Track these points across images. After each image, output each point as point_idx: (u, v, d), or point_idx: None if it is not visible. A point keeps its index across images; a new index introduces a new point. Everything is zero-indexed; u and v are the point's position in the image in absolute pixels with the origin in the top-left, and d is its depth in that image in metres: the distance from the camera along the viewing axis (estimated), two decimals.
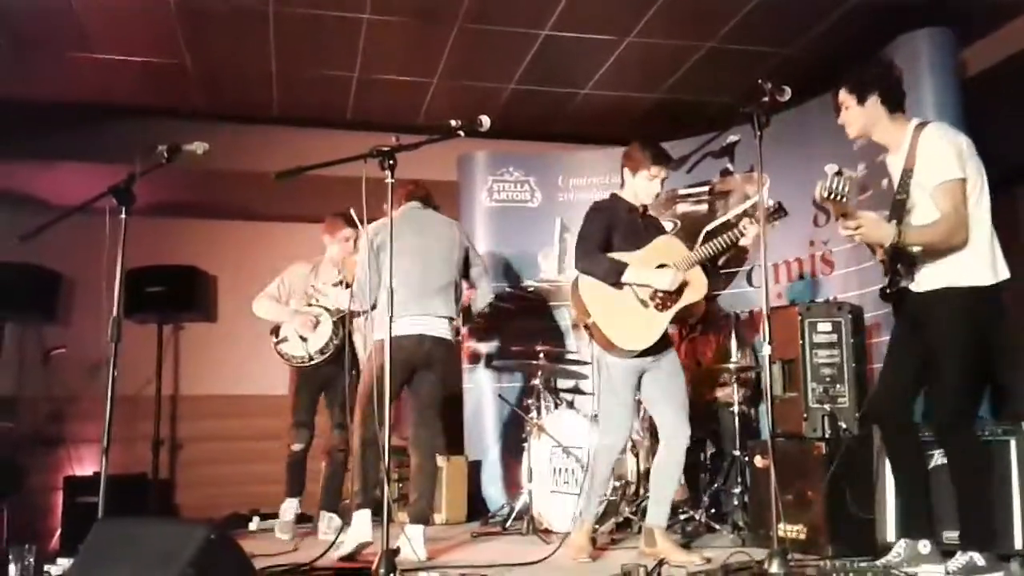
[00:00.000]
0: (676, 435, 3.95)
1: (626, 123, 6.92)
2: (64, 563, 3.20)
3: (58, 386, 6.56)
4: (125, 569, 2.49)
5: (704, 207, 6.29)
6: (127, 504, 5.06)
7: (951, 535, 3.54)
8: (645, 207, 4.11)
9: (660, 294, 3.87)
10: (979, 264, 3.22)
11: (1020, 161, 6.37)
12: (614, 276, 3.88)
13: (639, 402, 4.43)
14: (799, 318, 4.39)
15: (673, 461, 3.97)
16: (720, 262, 4.02)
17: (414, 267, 4.24)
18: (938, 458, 3.67)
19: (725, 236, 3.85)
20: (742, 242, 3.82)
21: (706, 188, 6.29)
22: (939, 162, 3.22)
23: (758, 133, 3.39)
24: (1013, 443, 3.51)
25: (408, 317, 4.14)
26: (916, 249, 3.23)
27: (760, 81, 3.36)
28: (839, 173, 3.14)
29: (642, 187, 4.05)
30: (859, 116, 3.40)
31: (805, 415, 4.28)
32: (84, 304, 6.74)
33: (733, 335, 5.09)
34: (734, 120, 3.98)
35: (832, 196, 3.08)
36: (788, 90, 3.34)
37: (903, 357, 3.41)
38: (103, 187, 3.41)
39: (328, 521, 4.97)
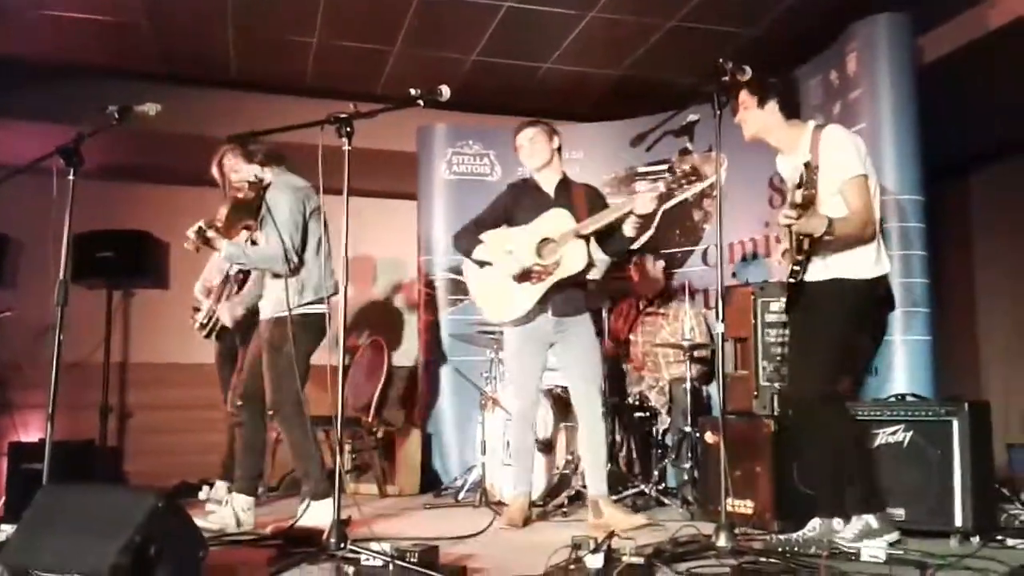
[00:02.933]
0: (581, 403, 4.14)
1: (587, 99, 6.92)
2: (7, 529, 3.14)
3: (3, 350, 6.42)
4: (70, 536, 2.46)
5: (662, 185, 6.30)
6: (74, 471, 5.00)
7: (894, 512, 3.64)
8: (564, 179, 4.32)
9: (538, 267, 4.04)
10: (866, 259, 3.44)
11: (972, 148, 6.50)
12: (467, 253, 4.26)
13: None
14: (752, 298, 4.44)
15: (587, 429, 4.13)
16: (633, 235, 4.10)
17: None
18: (883, 437, 3.77)
19: (610, 210, 4.02)
20: (636, 211, 3.96)
21: (665, 167, 6.30)
22: (845, 159, 3.38)
23: (717, 112, 3.42)
24: (955, 423, 3.61)
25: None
26: (828, 239, 3.32)
27: (720, 60, 3.38)
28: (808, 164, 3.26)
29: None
30: (757, 118, 3.58)
31: (756, 393, 4.33)
32: (31, 267, 6.60)
33: (687, 312, 5.13)
34: (695, 99, 4.01)
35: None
36: (748, 70, 3.38)
37: (791, 347, 3.63)
38: (51, 147, 3.33)
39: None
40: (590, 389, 4.11)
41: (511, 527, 4.02)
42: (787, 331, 4.28)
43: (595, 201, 4.21)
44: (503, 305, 4.16)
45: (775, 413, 4.20)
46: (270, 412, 4.05)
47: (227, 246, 4.04)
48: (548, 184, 4.28)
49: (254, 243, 4.15)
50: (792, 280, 3.42)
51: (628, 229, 4.04)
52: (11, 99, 6.10)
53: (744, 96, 3.58)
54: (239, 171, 4.17)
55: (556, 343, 4.17)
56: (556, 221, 4.10)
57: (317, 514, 3.81)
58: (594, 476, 4.10)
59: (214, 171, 4.31)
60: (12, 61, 6.07)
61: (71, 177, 3.28)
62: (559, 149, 4.32)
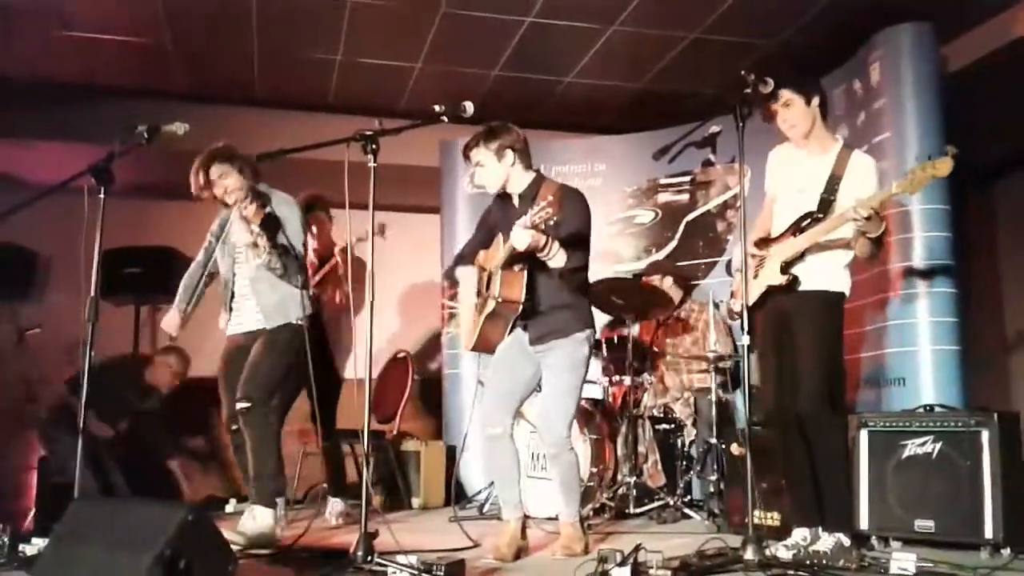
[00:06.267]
0: (541, 433, 3.84)
1: (609, 112, 6.93)
2: (39, 543, 3.18)
3: (33, 366, 6.49)
4: (101, 550, 2.49)
5: (685, 197, 6.32)
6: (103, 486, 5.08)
7: (924, 523, 3.61)
8: (531, 184, 3.71)
9: (481, 297, 3.74)
10: (846, 277, 3.53)
11: (997, 157, 6.45)
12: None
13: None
14: None
15: (549, 460, 3.81)
16: (559, 266, 3.48)
17: None
18: (912, 448, 3.73)
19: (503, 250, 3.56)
20: (515, 246, 3.36)
21: (687, 178, 6.32)
22: (870, 183, 3.43)
23: (740, 124, 3.41)
24: (985, 434, 3.57)
25: None
26: (866, 245, 3.42)
27: (743, 72, 3.38)
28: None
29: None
30: (806, 116, 3.54)
31: None
32: (61, 284, 6.68)
33: (712, 323, 5.11)
34: (717, 111, 3.98)
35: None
36: (771, 82, 3.37)
37: (780, 359, 3.54)
38: (82, 166, 3.38)
39: (332, 505, 5.07)
40: (546, 420, 3.72)
41: (499, 561, 3.49)
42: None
43: (550, 225, 3.36)
44: (466, 332, 3.85)
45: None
46: (246, 404, 3.90)
47: (272, 255, 3.99)
48: (515, 196, 3.76)
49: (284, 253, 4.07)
50: (791, 285, 3.47)
51: (552, 263, 3.47)
52: (39, 119, 6.20)
53: (789, 94, 3.50)
54: (231, 182, 4.10)
55: (541, 364, 3.73)
56: (495, 249, 3.72)
57: (259, 521, 3.84)
58: (558, 499, 3.79)
59: (199, 178, 4.14)
60: (40, 82, 6.18)
61: (101, 195, 3.33)
62: (521, 152, 3.69)
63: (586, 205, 3.68)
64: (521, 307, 3.59)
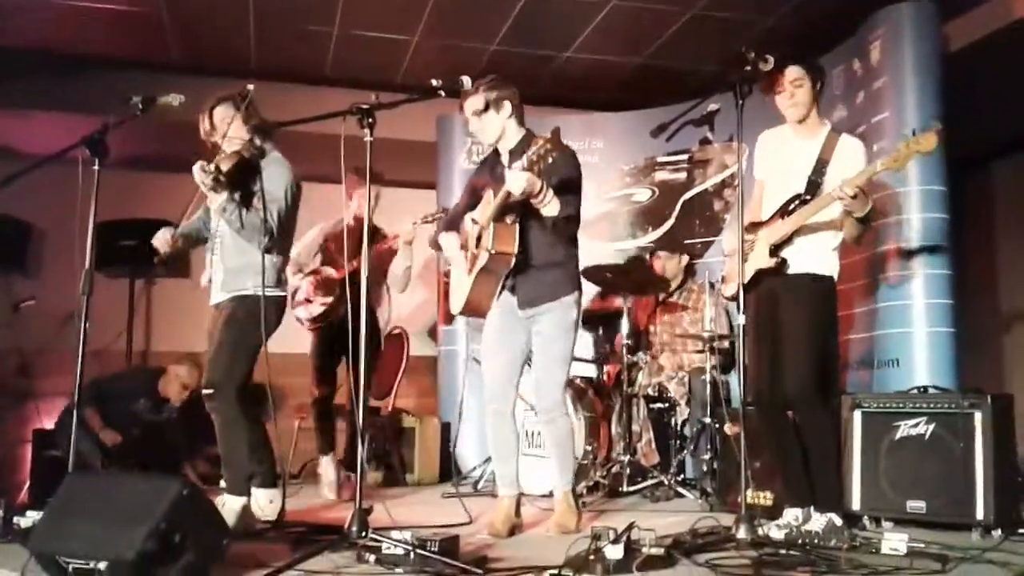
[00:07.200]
0: (536, 400, 3.83)
1: (607, 87, 6.89)
2: (33, 516, 3.18)
3: (26, 338, 6.48)
4: (96, 523, 2.49)
5: (683, 175, 6.30)
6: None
7: (915, 504, 3.63)
8: (522, 140, 3.72)
9: (472, 255, 3.70)
10: (835, 260, 3.54)
11: (997, 136, 6.44)
12: (435, 246, 4.01)
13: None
14: None
15: (544, 426, 3.84)
16: (554, 214, 3.48)
17: None
18: (905, 429, 3.74)
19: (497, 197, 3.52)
20: (512, 192, 3.35)
21: (685, 156, 6.29)
22: (858, 166, 3.41)
23: (739, 102, 3.38)
24: (978, 415, 3.58)
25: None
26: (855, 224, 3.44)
27: (743, 50, 3.35)
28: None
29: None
30: (811, 99, 3.54)
31: None
32: (55, 256, 6.66)
33: (708, 303, 5.11)
34: (716, 88, 3.95)
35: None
36: (771, 59, 3.34)
37: (770, 342, 3.52)
38: (76, 137, 3.35)
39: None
40: (542, 387, 3.73)
41: (494, 537, 3.53)
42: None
43: (547, 164, 3.31)
44: (454, 296, 3.83)
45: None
46: (209, 391, 3.74)
47: (227, 198, 3.69)
48: (504, 153, 3.77)
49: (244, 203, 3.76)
50: (779, 268, 3.47)
51: (546, 210, 3.48)
52: (33, 89, 6.14)
53: (800, 73, 3.49)
54: (234, 129, 3.84)
55: (532, 332, 3.74)
56: (488, 201, 3.66)
57: (230, 509, 3.60)
58: (552, 467, 3.82)
59: (205, 121, 3.91)
60: (35, 52, 6.11)
61: (96, 167, 3.30)
62: (517, 107, 3.74)
63: (575, 156, 3.71)
64: (514, 259, 3.58)
